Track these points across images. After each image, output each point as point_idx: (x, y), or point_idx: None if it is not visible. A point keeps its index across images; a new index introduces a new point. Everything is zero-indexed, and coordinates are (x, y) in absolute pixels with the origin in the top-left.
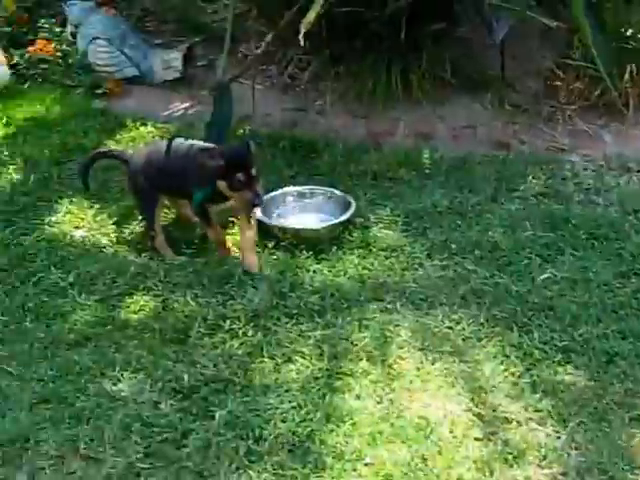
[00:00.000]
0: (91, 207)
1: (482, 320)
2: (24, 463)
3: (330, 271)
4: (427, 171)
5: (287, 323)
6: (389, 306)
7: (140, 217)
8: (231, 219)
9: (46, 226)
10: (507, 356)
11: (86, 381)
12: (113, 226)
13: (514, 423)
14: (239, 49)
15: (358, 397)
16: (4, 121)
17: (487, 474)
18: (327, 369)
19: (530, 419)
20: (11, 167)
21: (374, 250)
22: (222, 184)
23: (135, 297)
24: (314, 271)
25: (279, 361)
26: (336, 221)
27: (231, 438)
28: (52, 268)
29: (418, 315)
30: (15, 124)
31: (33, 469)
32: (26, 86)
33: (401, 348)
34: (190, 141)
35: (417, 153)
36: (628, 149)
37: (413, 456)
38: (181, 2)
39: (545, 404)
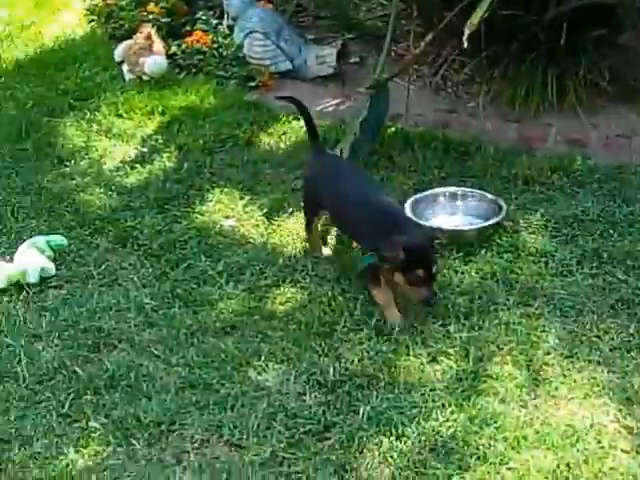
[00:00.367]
0: (242, 198)
1: (632, 331)
2: (169, 445)
3: (478, 273)
4: (579, 178)
5: (434, 323)
6: (536, 311)
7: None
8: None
9: (197, 214)
10: None
11: (231, 369)
12: (263, 217)
13: None
14: (393, 48)
15: (503, 401)
16: (160, 110)
17: None
18: (472, 371)
19: None
20: (165, 155)
21: (523, 255)
22: (399, 276)
23: (282, 289)
24: (462, 272)
25: (424, 360)
26: (486, 224)
27: (374, 434)
28: (201, 256)
29: (566, 322)
30: (170, 113)
31: (178, 452)
32: (182, 76)
33: (547, 354)
34: (375, 191)
35: (570, 160)
36: None
37: (559, 463)
38: None
39: None
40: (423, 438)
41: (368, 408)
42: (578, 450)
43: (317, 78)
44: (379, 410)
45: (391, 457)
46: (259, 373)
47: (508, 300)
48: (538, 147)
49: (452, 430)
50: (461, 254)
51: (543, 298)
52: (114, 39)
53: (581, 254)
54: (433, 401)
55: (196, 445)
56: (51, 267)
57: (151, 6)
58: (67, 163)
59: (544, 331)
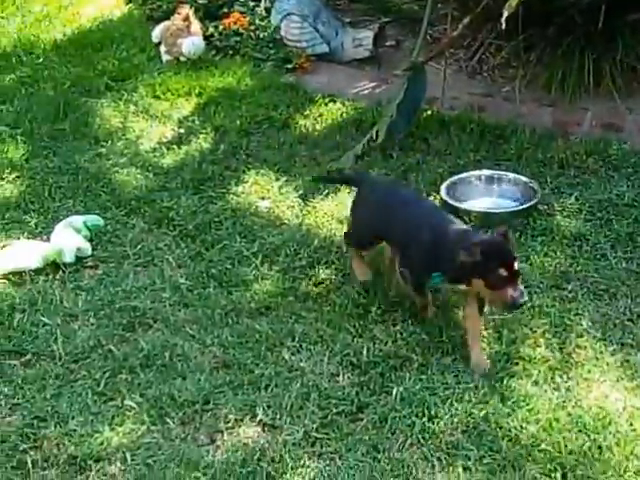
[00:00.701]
0: (277, 179)
1: None
2: (203, 424)
3: None
4: (615, 162)
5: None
6: (570, 295)
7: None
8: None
9: (232, 195)
10: None
11: (265, 349)
12: (298, 199)
13: None
14: (429, 32)
15: (535, 383)
16: (196, 91)
17: None
18: (505, 353)
19: None
20: (201, 136)
21: (557, 238)
22: (478, 283)
23: (317, 270)
24: None
25: (457, 342)
26: (521, 207)
27: (407, 415)
28: (236, 237)
29: (599, 305)
30: (207, 94)
31: (212, 431)
32: (218, 58)
33: (580, 337)
34: (433, 212)
35: (605, 144)
36: None
37: (590, 446)
38: None
39: None
40: (455, 420)
41: (401, 389)
42: (610, 433)
43: (353, 61)
44: (412, 391)
45: (423, 438)
46: (293, 354)
47: (542, 283)
48: (573, 131)
49: (484, 412)
50: None
51: (577, 281)
52: (152, 20)
53: (615, 238)
54: (466, 383)
55: (230, 425)
56: (87, 247)
57: None
58: (104, 143)
59: (577, 314)
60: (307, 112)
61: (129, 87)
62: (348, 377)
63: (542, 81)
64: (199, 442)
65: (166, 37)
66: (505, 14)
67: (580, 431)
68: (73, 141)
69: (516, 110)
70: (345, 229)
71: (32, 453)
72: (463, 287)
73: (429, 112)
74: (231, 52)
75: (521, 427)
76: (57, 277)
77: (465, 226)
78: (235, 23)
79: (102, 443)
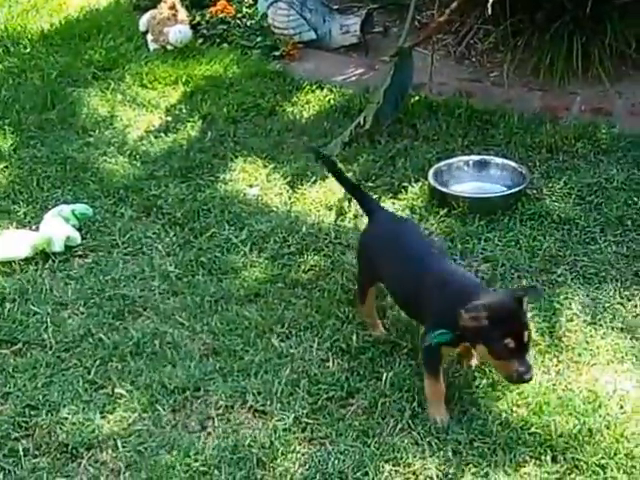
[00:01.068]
0: (265, 166)
1: None
2: (194, 411)
3: (501, 241)
4: (604, 146)
5: None
6: (559, 279)
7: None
8: None
9: (220, 183)
10: None
11: (255, 336)
12: (286, 186)
13: None
14: (416, 17)
15: None
16: (184, 79)
17: None
18: None
19: None
20: (189, 124)
21: (546, 222)
22: (482, 349)
23: (305, 256)
24: (485, 240)
25: None
26: (510, 191)
27: (397, 400)
28: (225, 224)
29: (589, 289)
30: (194, 83)
31: (203, 418)
32: (205, 46)
33: (570, 321)
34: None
35: (594, 128)
36: None
37: (581, 428)
38: None
39: None
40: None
41: (391, 374)
42: (600, 415)
43: (341, 48)
44: (402, 376)
45: (413, 423)
46: (282, 340)
47: (531, 267)
48: (562, 115)
49: (474, 396)
50: (484, 221)
51: (566, 265)
52: (138, 9)
53: (605, 222)
54: (455, 368)
55: (220, 411)
56: (76, 236)
57: None
58: (91, 133)
59: (567, 298)
60: (294, 99)
61: (116, 76)
62: (338, 363)
63: (530, 66)
64: (190, 429)
65: (153, 26)
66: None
67: (570, 414)
68: (61, 131)
69: (505, 95)
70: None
71: (24, 441)
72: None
73: (417, 98)
74: (218, 40)
75: (511, 411)
76: (46, 266)
77: (474, 279)
78: (222, 11)
79: (93, 431)
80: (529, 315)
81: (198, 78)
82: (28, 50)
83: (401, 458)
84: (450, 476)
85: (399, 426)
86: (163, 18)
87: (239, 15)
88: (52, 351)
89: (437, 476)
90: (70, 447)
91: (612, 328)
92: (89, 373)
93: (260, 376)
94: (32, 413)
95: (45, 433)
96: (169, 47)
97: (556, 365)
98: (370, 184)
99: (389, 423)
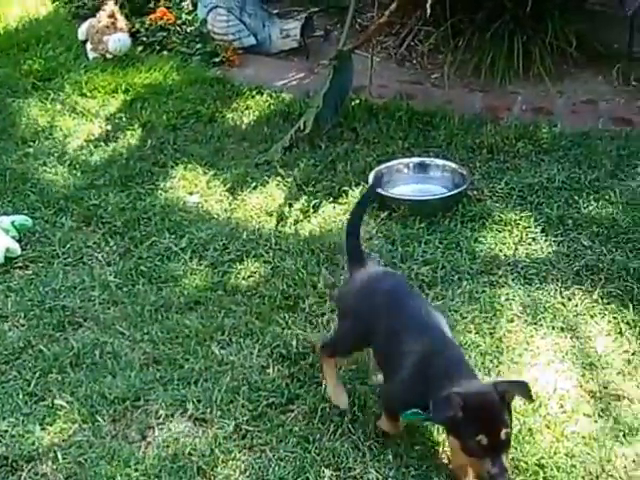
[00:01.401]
0: (205, 173)
1: (596, 296)
2: (134, 421)
3: (442, 243)
4: (545, 146)
5: None
6: (500, 280)
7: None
8: None
9: (161, 191)
10: (621, 333)
11: (195, 344)
12: (226, 192)
13: (626, 401)
14: (357, 20)
15: None
16: (123, 88)
17: (595, 450)
18: None
19: None
20: (129, 133)
21: (487, 223)
22: (453, 441)
23: (246, 263)
24: (426, 242)
25: None
26: (450, 193)
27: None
28: (165, 233)
29: (530, 290)
30: (134, 91)
31: (143, 427)
32: (145, 54)
33: (511, 322)
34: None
35: (535, 127)
36: None
37: (521, 429)
38: None
39: None
40: None
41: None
42: (541, 415)
43: (282, 52)
44: (343, 381)
45: (354, 427)
46: (223, 347)
47: (472, 269)
48: (504, 115)
49: None
50: (425, 224)
51: (507, 266)
52: (77, 18)
53: (545, 221)
54: None
55: (160, 420)
56: (16, 247)
57: None
58: (31, 143)
59: (508, 299)
60: (234, 105)
61: (56, 86)
62: (278, 369)
63: (472, 66)
64: (130, 439)
65: (92, 34)
66: (429, 0)
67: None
68: (0, 142)
69: (446, 96)
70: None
71: None
72: None
73: (357, 101)
74: (158, 48)
75: None
76: None
77: (458, 356)
78: (161, 18)
79: (33, 443)
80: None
81: (138, 86)
82: None
83: (341, 463)
84: (391, 479)
85: (339, 431)
86: (102, 27)
87: (179, 22)
88: None
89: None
90: (10, 460)
91: (553, 328)
92: (29, 385)
93: (200, 384)
94: None
95: None
96: (108, 56)
97: (497, 366)
98: (310, 189)
99: (329, 428)
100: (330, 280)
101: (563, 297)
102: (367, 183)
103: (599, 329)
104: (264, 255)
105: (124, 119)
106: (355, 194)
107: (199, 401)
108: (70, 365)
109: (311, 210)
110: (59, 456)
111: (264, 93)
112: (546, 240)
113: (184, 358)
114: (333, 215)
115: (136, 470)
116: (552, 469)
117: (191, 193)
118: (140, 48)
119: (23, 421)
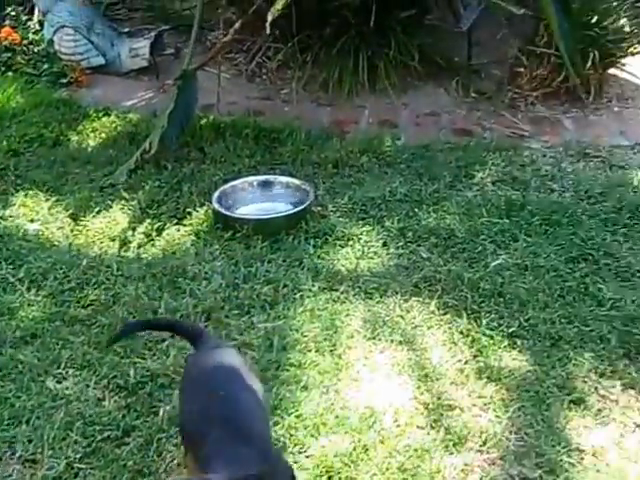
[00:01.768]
0: (47, 200)
1: (433, 308)
2: None
3: (285, 261)
4: (388, 159)
5: (238, 315)
6: (342, 296)
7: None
8: None
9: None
10: (455, 343)
11: (29, 380)
12: (68, 219)
13: (457, 410)
14: (208, 37)
15: (305, 388)
16: None
17: (427, 461)
18: (275, 361)
19: (474, 405)
20: None
21: (330, 239)
22: None
23: (86, 291)
24: (269, 261)
25: None
26: (293, 210)
27: (174, 434)
28: (2, 263)
29: (370, 304)
30: None
31: None
32: None
33: (350, 338)
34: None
35: (379, 141)
36: (587, 135)
37: (355, 446)
38: None
39: (489, 390)
40: None
41: (168, 408)
42: (375, 431)
43: (132, 72)
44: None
45: None
46: (58, 382)
47: (314, 286)
48: (350, 130)
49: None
50: (268, 242)
51: (349, 282)
52: None
53: (387, 235)
54: None
55: None
56: None
57: None
58: None
59: (348, 315)
60: (80, 127)
61: None
62: (114, 400)
63: (320, 81)
64: None
65: None
66: (270, 18)
67: (346, 432)
68: None
69: (294, 112)
70: None
71: None
72: None
73: (205, 119)
74: (3, 69)
75: (289, 434)
76: None
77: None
78: (6, 38)
79: None
80: None
81: None
82: None
83: None
84: None
85: (176, 461)
86: None
87: (25, 42)
88: None
89: None
90: None
91: (391, 341)
92: None
93: (32, 423)
94: None
95: None
96: None
97: (335, 384)
98: (154, 211)
99: (165, 459)
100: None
101: (402, 310)
102: (212, 203)
103: (435, 340)
104: (105, 282)
105: None
106: (200, 215)
107: (30, 441)
108: None
109: (154, 233)
110: None
111: (111, 114)
112: (387, 253)
113: (16, 396)
114: (177, 237)
115: None
116: None
117: (32, 220)
118: None
119: None
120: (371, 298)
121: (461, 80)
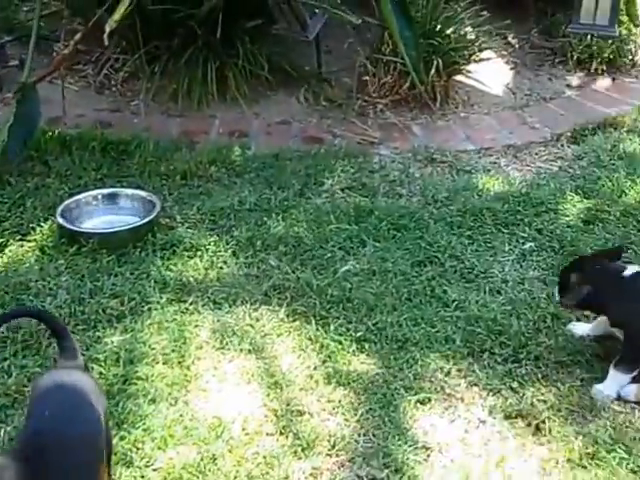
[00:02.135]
0: None
1: (282, 315)
2: None
3: (133, 274)
4: (238, 168)
5: (84, 330)
6: (190, 307)
7: None
8: None
9: None
10: (304, 349)
11: None
12: None
13: (306, 415)
14: (54, 48)
15: (153, 401)
16: None
17: (275, 468)
18: (122, 375)
19: (323, 410)
20: None
21: (178, 250)
22: None
23: None
24: (115, 275)
25: None
26: (139, 223)
27: None
28: None
29: (219, 314)
30: None
31: None
32: None
33: (199, 348)
34: None
35: (228, 150)
36: (434, 141)
37: (203, 457)
38: None
39: (338, 394)
40: None
41: (9, 429)
42: (224, 440)
43: None
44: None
45: None
46: None
47: (162, 298)
48: (200, 140)
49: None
50: (115, 256)
51: (198, 292)
52: None
53: (236, 244)
54: None
55: None
56: None
57: None
58: None
59: (197, 326)
60: None
61: None
62: None
63: (169, 92)
64: None
65: None
66: (107, 29)
67: (195, 444)
68: None
69: (143, 123)
70: None
71: None
72: None
73: (51, 133)
74: None
75: (136, 448)
76: None
77: None
78: None
79: None
80: None
81: None
82: None
83: None
84: None
85: None
86: None
87: None
88: None
89: None
90: None
91: (240, 350)
92: None
93: None
94: None
95: None
96: None
97: (184, 395)
98: None
99: None
100: None
101: (251, 318)
102: (56, 217)
103: (285, 347)
104: None
105: None
106: (44, 230)
107: None
108: None
109: None
110: None
111: None
112: (236, 263)
113: None
114: (21, 254)
115: None
116: None
117: None
118: None
119: None
120: (220, 308)
121: (311, 88)
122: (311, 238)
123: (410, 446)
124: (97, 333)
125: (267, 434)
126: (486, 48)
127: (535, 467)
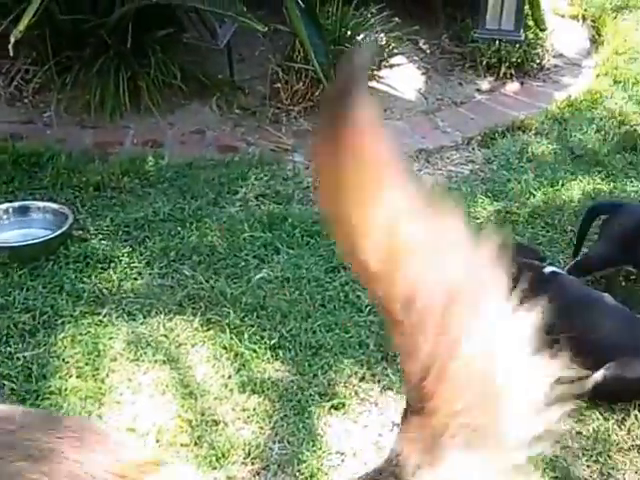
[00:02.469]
0: None
1: (197, 325)
2: None
3: (45, 288)
4: (151, 179)
5: None
6: (104, 319)
7: None
8: None
9: None
10: (218, 359)
11: None
12: None
13: (221, 424)
14: None
15: (66, 415)
16: None
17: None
18: (35, 390)
19: (237, 419)
20: None
21: (92, 262)
22: None
23: None
24: (27, 289)
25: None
26: (51, 235)
27: None
28: None
29: (134, 326)
30: None
31: None
32: None
33: (114, 361)
34: None
35: (141, 161)
36: None
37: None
38: None
39: (252, 402)
40: None
41: None
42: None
43: None
44: None
45: None
46: None
47: (75, 311)
48: (114, 151)
49: None
50: (27, 269)
51: (112, 304)
52: None
53: (150, 255)
54: None
55: None
56: None
57: None
58: None
59: (111, 338)
60: None
61: None
62: None
63: (82, 103)
64: None
65: None
66: (12, 39)
67: None
68: None
69: (56, 135)
70: None
71: None
72: None
73: None
74: None
75: None
76: None
77: None
78: None
79: None
80: None
81: None
82: None
83: None
84: None
85: None
86: None
87: None
88: None
89: None
90: None
91: (155, 361)
92: None
93: None
94: None
95: None
96: None
97: (98, 408)
98: None
99: None
100: None
101: (166, 329)
102: None
103: (199, 357)
104: None
105: None
106: None
107: None
108: None
109: None
110: None
111: None
112: (150, 273)
113: None
114: None
115: None
116: None
117: None
118: None
119: None
120: (134, 319)
121: (224, 97)
122: (225, 247)
123: (324, 452)
124: (8, 349)
125: (181, 445)
126: (397, 54)
127: None
